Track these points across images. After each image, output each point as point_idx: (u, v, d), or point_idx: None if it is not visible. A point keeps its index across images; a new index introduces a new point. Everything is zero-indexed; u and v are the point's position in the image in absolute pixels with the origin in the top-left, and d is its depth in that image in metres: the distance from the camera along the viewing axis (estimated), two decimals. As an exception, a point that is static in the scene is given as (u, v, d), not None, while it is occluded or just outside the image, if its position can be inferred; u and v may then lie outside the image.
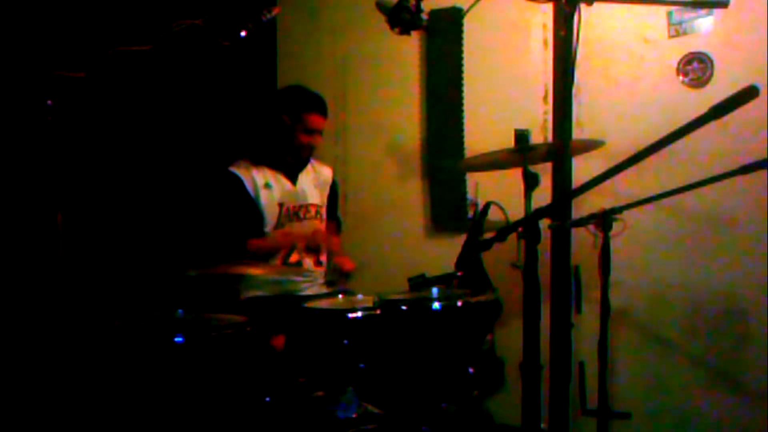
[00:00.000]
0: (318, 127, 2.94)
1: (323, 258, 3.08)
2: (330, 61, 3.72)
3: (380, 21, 2.36)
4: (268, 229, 2.92)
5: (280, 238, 2.93)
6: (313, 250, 3.03)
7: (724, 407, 2.82)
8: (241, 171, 2.91)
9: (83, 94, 2.40)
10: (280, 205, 2.94)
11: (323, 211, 3.10)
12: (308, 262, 3.01)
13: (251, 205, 2.89)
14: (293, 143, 2.94)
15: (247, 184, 2.90)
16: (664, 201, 2.40)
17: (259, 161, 2.96)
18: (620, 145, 2.68)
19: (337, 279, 3.03)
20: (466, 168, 3.33)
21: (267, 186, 2.93)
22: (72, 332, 2.17)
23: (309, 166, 3.10)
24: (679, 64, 2.89)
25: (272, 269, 2.89)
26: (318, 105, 2.96)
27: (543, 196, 2.50)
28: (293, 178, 3.01)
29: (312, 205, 3.04)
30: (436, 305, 2.18)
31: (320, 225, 3.06)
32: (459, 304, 2.18)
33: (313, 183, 3.09)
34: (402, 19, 2.30)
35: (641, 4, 2.94)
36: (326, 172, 3.18)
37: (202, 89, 3.36)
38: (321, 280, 3.06)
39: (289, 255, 2.97)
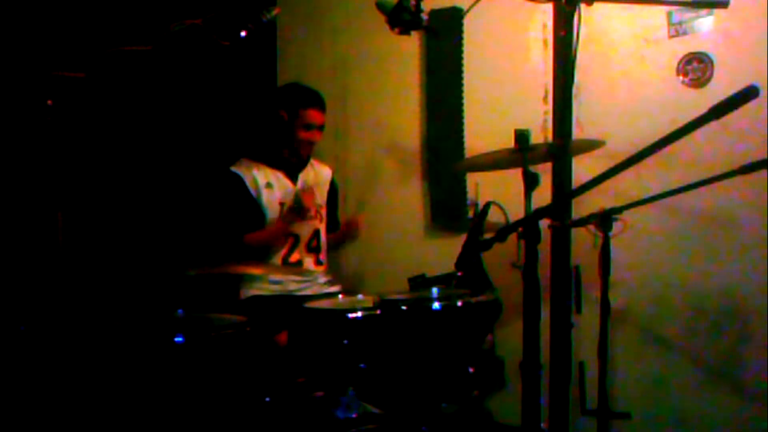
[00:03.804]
0: (316, 122, 2.95)
1: (323, 257, 3.08)
2: (330, 61, 3.71)
3: (380, 21, 2.35)
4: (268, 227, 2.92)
5: (271, 227, 2.92)
6: (313, 248, 3.03)
7: (724, 407, 2.82)
8: (242, 170, 2.92)
9: (83, 94, 2.40)
10: (282, 204, 2.95)
11: (323, 210, 3.10)
12: (309, 261, 3.01)
13: (253, 204, 2.89)
14: (292, 139, 2.94)
15: (249, 184, 2.90)
16: (664, 201, 2.39)
17: (260, 160, 2.97)
18: (620, 145, 2.66)
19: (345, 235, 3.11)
20: (466, 168, 3.33)
21: (268, 186, 2.93)
22: (72, 331, 2.17)
23: (309, 166, 3.10)
24: (679, 64, 2.88)
25: (273, 269, 2.91)
26: (315, 100, 2.96)
27: (543, 196, 2.50)
28: (294, 178, 3.02)
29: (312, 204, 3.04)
30: (436, 305, 2.18)
31: (320, 225, 3.06)
32: (459, 304, 2.18)
33: (313, 183, 3.09)
34: (402, 19, 2.30)
35: (641, 4, 2.93)
36: (326, 172, 3.19)
37: (202, 89, 3.36)
38: (322, 280, 3.06)
39: (289, 254, 2.97)
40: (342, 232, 3.21)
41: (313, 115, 2.93)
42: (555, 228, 2.54)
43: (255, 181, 2.91)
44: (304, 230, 2.99)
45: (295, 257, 2.98)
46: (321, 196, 3.12)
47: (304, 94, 3.00)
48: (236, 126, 3.51)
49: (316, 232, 3.04)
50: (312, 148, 3.02)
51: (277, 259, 2.95)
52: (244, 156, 3.00)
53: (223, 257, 2.82)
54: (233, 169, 2.92)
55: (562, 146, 2.57)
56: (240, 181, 2.89)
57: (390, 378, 2.17)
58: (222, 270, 2.67)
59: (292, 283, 2.96)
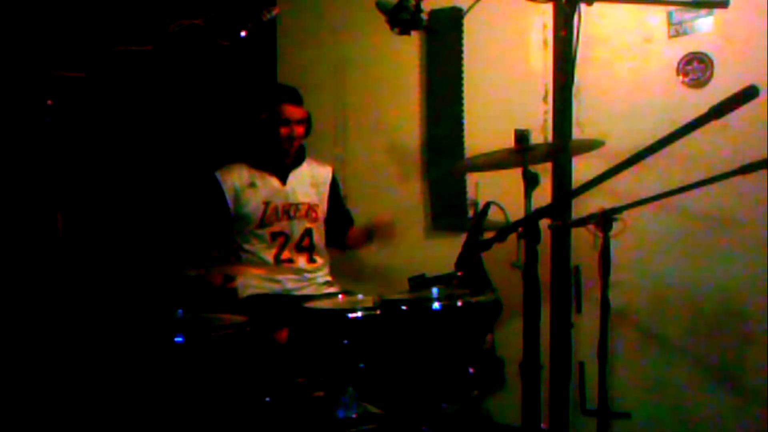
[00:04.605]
0: (293, 117, 2.94)
1: (317, 256, 3.06)
2: (330, 61, 3.71)
3: (380, 21, 2.36)
4: (252, 227, 2.93)
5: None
6: (304, 248, 3.03)
7: (724, 407, 2.82)
8: (223, 172, 2.94)
9: (83, 94, 2.40)
10: (266, 203, 2.94)
11: (319, 209, 3.08)
12: (300, 260, 3.01)
13: (223, 207, 2.90)
14: (274, 138, 2.94)
15: (226, 186, 2.91)
16: (664, 201, 2.40)
17: (248, 161, 2.99)
18: (620, 145, 2.66)
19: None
20: (466, 168, 3.33)
21: (252, 185, 2.94)
22: (72, 332, 2.18)
23: (304, 164, 3.09)
24: (679, 64, 2.89)
25: (266, 268, 2.91)
26: (289, 95, 2.97)
27: (543, 196, 2.50)
28: (283, 177, 3.01)
29: (303, 204, 3.03)
30: (436, 305, 2.18)
31: (312, 224, 3.05)
32: (459, 304, 2.18)
33: (308, 182, 3.08)
34: (402, 19, 2.30)
35: (641, 4, 2.94)
36: (324, 172, 3.17)
37: (202, 90, 3.36)
38: (320, 279, 3.05)
39: (280, 253, 2.97)
40: (365, 233, 3.19)
41: (289, 111, 2.93)
42: (555, 228, 2.55)
43: (234, 181, 2.92)
44: (295, 230, 2.99)
45: (286, 255, 2.98)
46: (317, 196, 3.11)
47: (278, 91, 3.02)
48: (236, 126, 3.51)
49: (308, 232, 3.03)
50: (297, 143, 3.01)
51: (270, 258, 2.95)
52: (238, 157, 3.01)
53: (193, 256, 2.84)
54: (216, 171, 2.95)
55: (562, 146, 2.58)
56: (214, 182, 2.91)
57: (390, 378, 2.17)
58: (220, 270, 2.68)
59: (290, 282, 2.96)
